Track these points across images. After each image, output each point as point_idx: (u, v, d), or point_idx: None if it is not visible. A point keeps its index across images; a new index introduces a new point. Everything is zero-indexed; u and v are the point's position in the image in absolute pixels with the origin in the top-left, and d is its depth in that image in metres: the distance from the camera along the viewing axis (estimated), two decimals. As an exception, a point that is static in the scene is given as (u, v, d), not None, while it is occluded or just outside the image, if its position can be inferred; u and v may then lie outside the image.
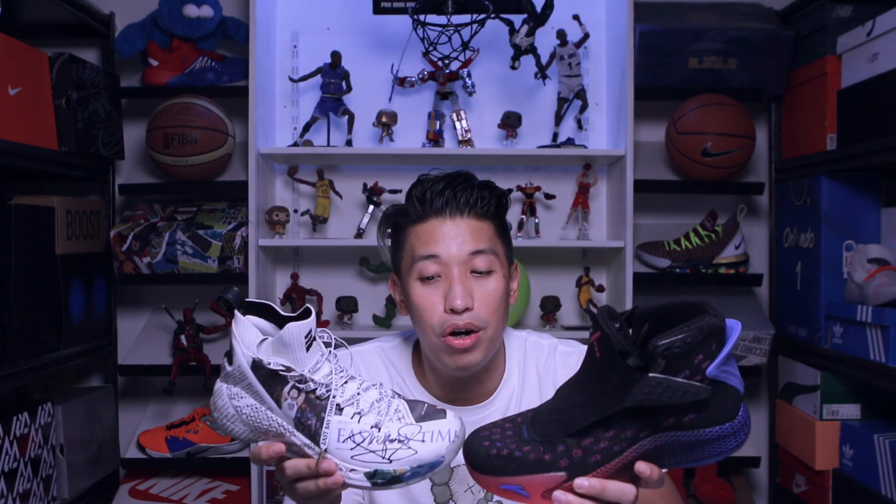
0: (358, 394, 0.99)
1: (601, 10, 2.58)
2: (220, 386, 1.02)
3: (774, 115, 2.63)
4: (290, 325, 0.96)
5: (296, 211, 2.57)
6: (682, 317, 0.89)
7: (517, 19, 2.37)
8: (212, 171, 2.46)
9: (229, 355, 1.01)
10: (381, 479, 0.98)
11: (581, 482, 0.90)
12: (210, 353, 2.46)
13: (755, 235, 2.68)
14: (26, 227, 2.04)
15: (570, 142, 2.50)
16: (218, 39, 2.56)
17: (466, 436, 0.98)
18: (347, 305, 2.47)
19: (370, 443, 0.97)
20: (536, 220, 2.47)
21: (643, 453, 0.90)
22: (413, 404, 1.01)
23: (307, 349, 0.97)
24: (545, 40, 2.43)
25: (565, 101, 2.49)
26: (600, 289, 2.54)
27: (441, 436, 0.98)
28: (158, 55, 2.49)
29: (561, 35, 2.45)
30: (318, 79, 2.46)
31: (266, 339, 0.99)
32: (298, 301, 2.50)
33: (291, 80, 2.54)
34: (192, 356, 2.42)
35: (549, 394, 1.31)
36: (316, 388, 0.98)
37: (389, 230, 1.34)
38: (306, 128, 2.46)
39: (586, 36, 2.47)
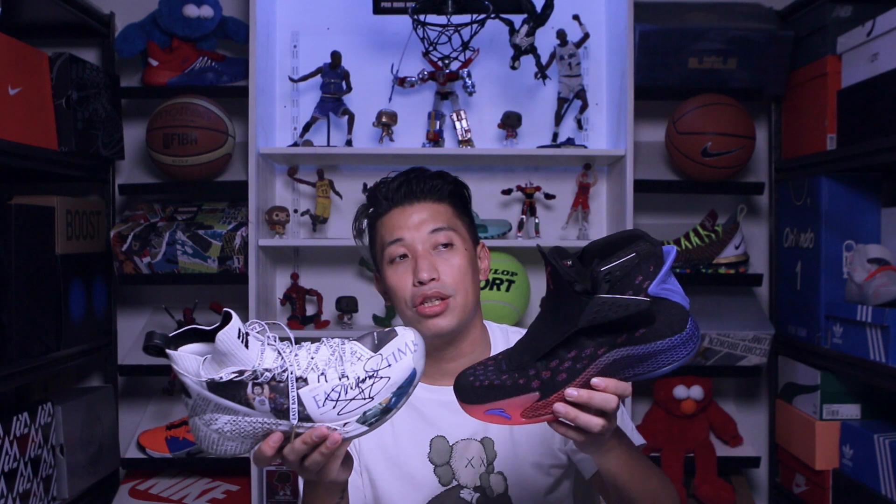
0: (312, 358, 1.01)
1: (601, 10, 2.58)
2: (194, 421, 1.03)
3: (774, 115, 2.62)
4: (219, 335, 0.96)
5: (296, 211, 2.57)
6: (625, 246, 1.01)
7: (517, 19, 2.36)
8: (212, 171, 2.46)
9: (185, 391, 1.01)
10: (373, 418, 1.02)
11: (570, 391, 1.00)
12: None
13: (755, 235, 2.68)
14: (26, 227, 2.04)
15: (570, 142, 2.50)
16: (218, 39, 2.56)
17: (421, 341, 1.05)
18: (347, 305, 2.47)
19: (346, 392, 1.00)
20: (536, 220, 2.47)
21: (603, 368, 1.00)
22: (363, 339, 1.04)
23: (246, 346, 0.98)
24: (545, 40, 2.43)
25: (565, 101, 2.49)
26: (600, 289, 2.53)
27: (402, 352, 1.02)
28: (158, 55, 2.49)
29: (561, 35, 2.45)
30: (318, 79, 2.46)
31: (206, 358, 1.00)
32: (298, 301, 2.50)
33: (291, 80, 2.54)
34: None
35: None
36: (273, 375, 0.99)
37: (364, 228, 1.48)
38: (306, 128, 2.46)
39: (586, 36, 2.47)
